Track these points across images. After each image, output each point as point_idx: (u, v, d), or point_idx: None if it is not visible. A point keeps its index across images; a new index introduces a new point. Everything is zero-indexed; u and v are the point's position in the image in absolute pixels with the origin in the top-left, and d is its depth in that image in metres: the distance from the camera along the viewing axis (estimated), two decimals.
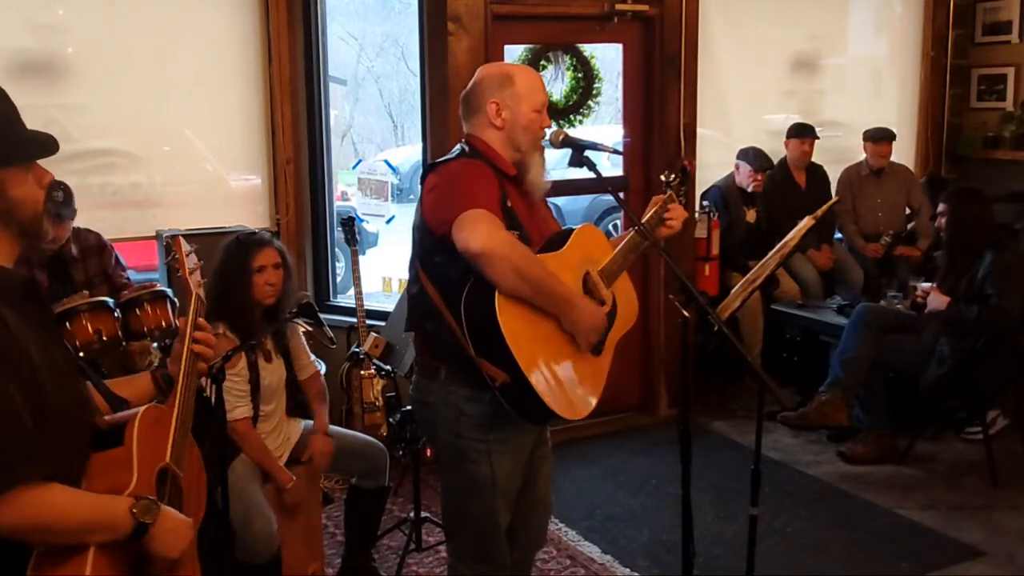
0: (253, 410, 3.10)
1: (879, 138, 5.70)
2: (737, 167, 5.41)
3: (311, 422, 3.34)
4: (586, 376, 2.42)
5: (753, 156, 5.31)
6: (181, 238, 2.18)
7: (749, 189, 5.36)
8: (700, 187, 5.31)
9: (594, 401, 2.44)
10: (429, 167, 2.47)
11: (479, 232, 2.17)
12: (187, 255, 2.13)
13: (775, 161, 5.52)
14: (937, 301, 4.28)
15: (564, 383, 2.33)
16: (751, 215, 5.44)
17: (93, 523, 1.56)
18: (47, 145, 1.65)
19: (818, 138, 5.57)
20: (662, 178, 2.61)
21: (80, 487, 1.60)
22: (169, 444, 1.79)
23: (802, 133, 5.54)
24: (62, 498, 1.53)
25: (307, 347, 3.37)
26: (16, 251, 1.64)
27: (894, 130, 5.81)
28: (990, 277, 4.12)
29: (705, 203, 5.24)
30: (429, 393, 2.46)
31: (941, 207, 4.40)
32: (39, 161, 1.65)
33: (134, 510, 1.59)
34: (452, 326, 2.29)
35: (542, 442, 2.64)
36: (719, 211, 5.30)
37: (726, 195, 5.39)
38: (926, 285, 4.39)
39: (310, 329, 3.35)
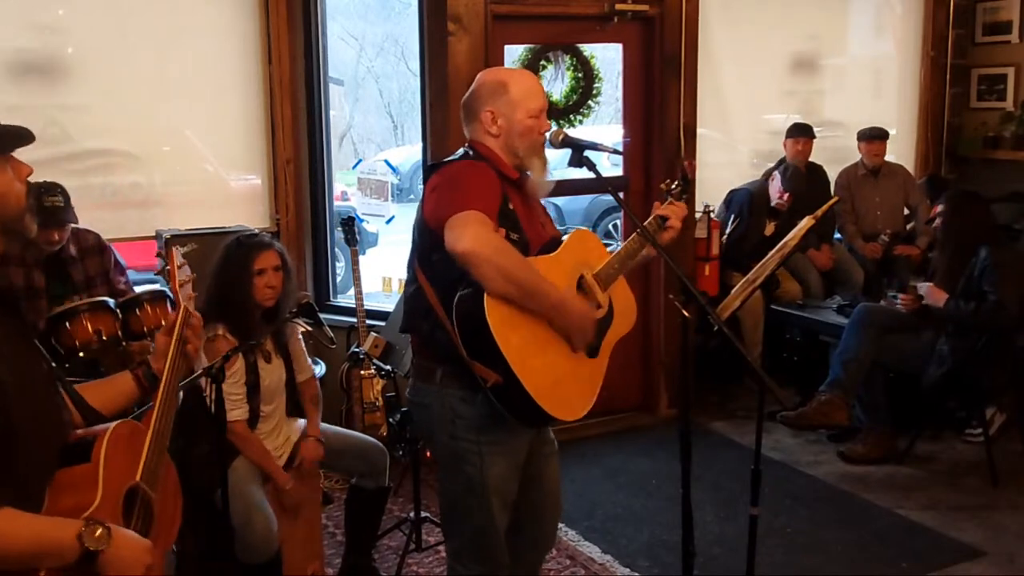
0: (251, 411, 3.09)
1: (872, 137, 5.71)
2: (772, 178, 5.40)
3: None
4: (581, 378, 2.41)
5: (789, 175, 5.30)
6: (176, 249, 2.07)
7: (773, 203, 5.35)
8: (700, 187, 5.29)
9: (589, 403, 2.43)
10: (432, 167, 2.48)
11: (467, 233, 2.17)
12: (179, 267, 2.02)
13: (775, 161, 5.51)
14: (934, 296, 4.28)
15: (557, 384, 2.32)
16: (770, 228, 5.40)
17: (38, 549, 1.49)
18: (21, 134, 1.58)
19: (815, 138, 5.57)
20: (663, 187, 2.60)
21: (43, 504, 1.54)
22: (141, 463, 1.70)
23: (797, 133, 5.54)
24: (7, 524, 1.46)
25: (305, 350, 3.37)
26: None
27: (894, 130, 5.82)
28: (987, 273, 4.12)
29: (707, 203, 5.23)
30: (426, 395, 2.46)
31: (939, 208, 4.40)
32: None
33: (82, 536, 1.51)
34: (447, 326, 2.29)
35: (544, 441, 2.62)
36: (741, 213, 5.28)
37: (754, 200, 5.36)
38: (925, 285, 4.38)
39: (310, 329, 3.35)
